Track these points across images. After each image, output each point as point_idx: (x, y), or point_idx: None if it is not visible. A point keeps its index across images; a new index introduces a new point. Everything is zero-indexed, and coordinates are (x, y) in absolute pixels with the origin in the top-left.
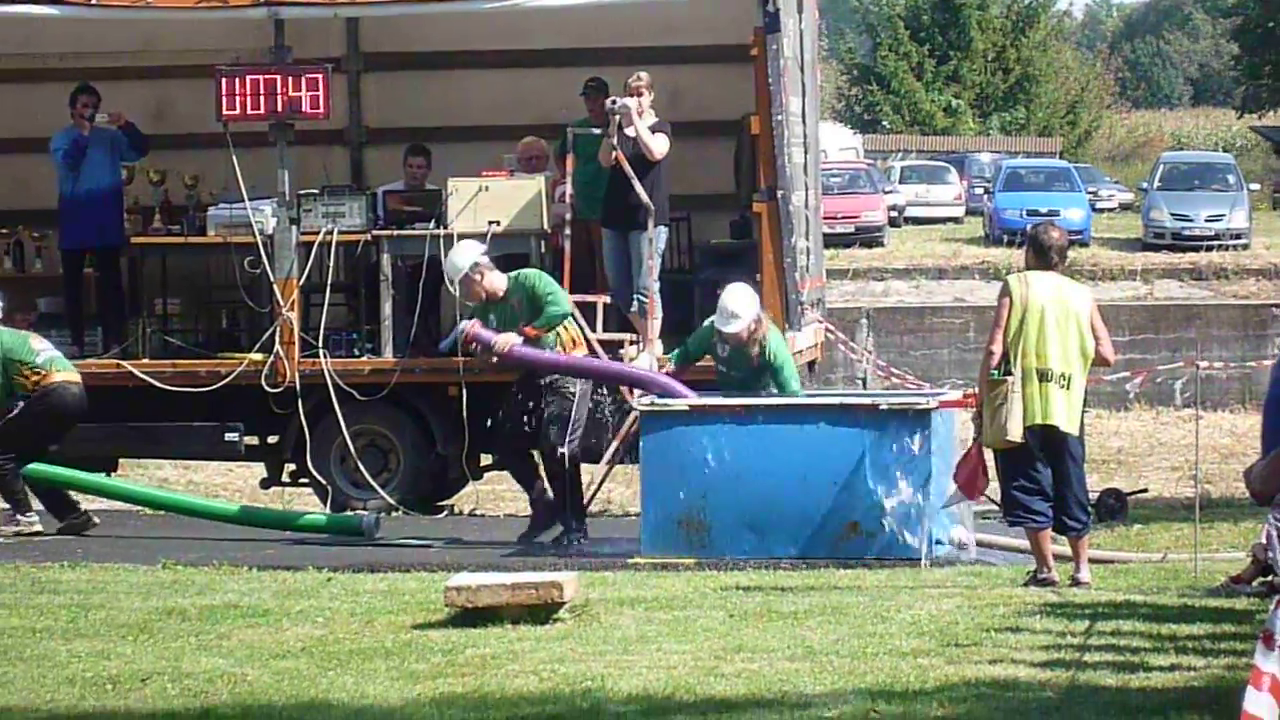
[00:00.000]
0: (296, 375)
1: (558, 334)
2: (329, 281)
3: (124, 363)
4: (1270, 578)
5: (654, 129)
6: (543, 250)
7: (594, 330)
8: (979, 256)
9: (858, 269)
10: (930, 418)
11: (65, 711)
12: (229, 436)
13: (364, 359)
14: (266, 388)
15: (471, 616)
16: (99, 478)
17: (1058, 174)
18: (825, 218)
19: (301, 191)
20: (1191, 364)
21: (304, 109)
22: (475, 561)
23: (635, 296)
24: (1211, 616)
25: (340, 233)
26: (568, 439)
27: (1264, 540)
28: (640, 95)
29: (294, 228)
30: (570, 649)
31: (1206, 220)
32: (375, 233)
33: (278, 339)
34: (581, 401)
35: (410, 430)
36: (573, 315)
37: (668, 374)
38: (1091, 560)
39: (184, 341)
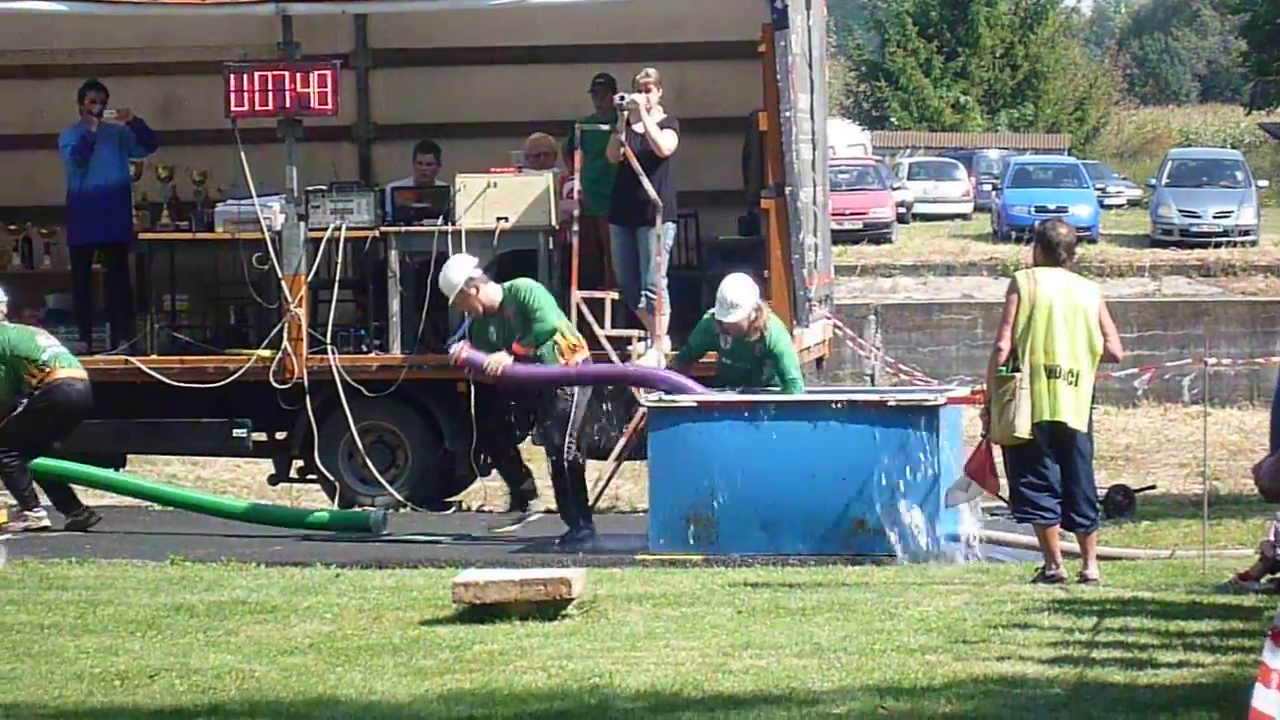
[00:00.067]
0: (304, 371)
1: (555, 342)
2: (337, 278)
3: (132, 359)
4: (1278, 574)
5: (662, 125)
6: (550, 246)
7: (602, 326)
8: (987, 253)
9: (866, 265)
10: (938, 414)
11: (73, 707)
12: (237, 432)
13: (372, 355)
14: (274, 384)
15: (479, 613)
16: (108, 473)
17: (1066, 170)
18: (833, 214)
19: (310, 188)
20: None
21: (312, 105)
22: (483, 558)
23: (643, 293)
24: (1220, 613)
25: (348, 229)
26: (567, 438)
27: (1272, 537)
28: (648, 91)
29: (302, 224)
30: (578, 645)
31: (1214, 217)
32: (383, 229)
33: (286, 335)
34: (579, 400)
35: (418, 426)
36: (561, 330)
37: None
38: (1100, 557)
39: (192, 337)
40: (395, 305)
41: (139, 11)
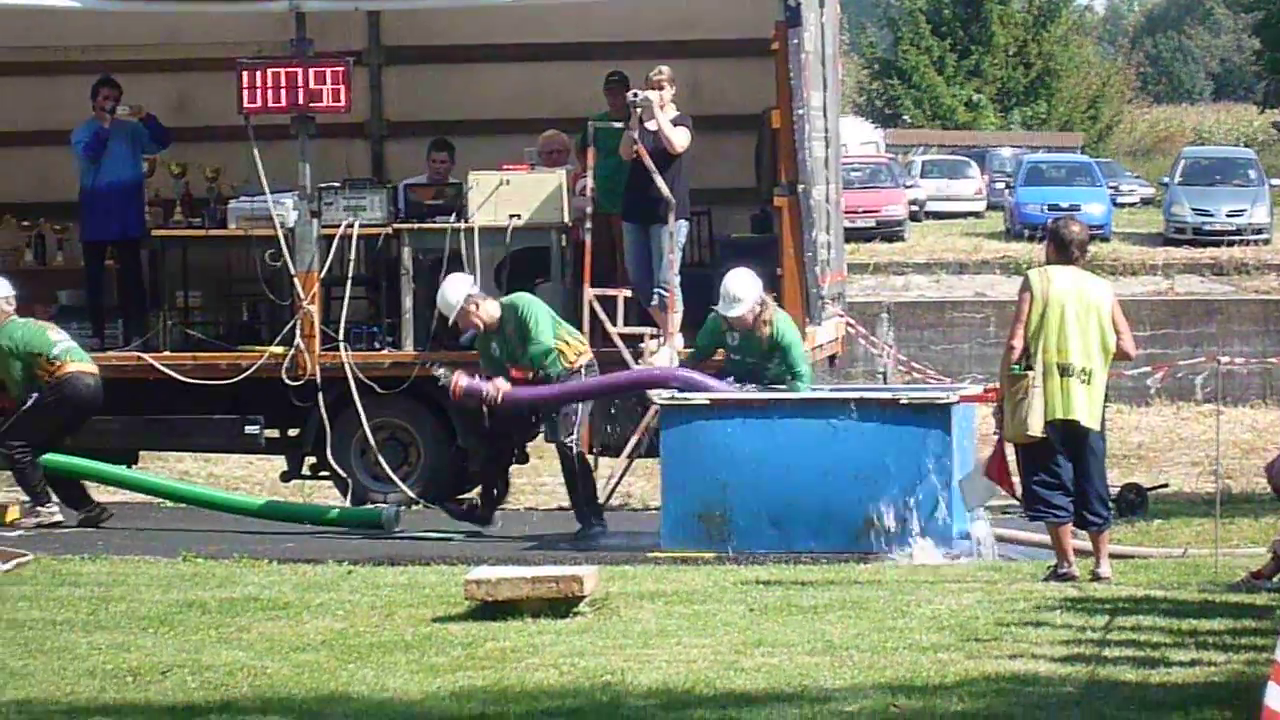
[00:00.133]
0: (317, 368)
1: (560, 351)
2: (350, 275)
3: (145, 355)
4: None
5: (675, 122)
6: (563, 244)
7: (614, 324)
8: (1000, 251)
9: (878, 263)
10: (951, 412)
11: (86, 704)
12: (249, 429)
13: (384, 352)
14: (287, 381)
15: (491, 610)
16: (122, 470)
17: (1079, 169)
18: (846, 212)
19: (322, 185)
20: (1212, 359)
21: (325, 102)
22: (495, 555)
23: (656, 290)
24: (1232, 612)
25: (361, 226)
26: (571, 434)
27: None
28: (662, 89)
29: (315, 221)
30: (590, 642)
31: (1228, 215)
32: (396, 226)
33: (298, 332)
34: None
35: (430, 424)
36: (561, 338)
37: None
38: (1112, 555)
39: (205, 334)
40: (408, 302)
41: (153, 8)
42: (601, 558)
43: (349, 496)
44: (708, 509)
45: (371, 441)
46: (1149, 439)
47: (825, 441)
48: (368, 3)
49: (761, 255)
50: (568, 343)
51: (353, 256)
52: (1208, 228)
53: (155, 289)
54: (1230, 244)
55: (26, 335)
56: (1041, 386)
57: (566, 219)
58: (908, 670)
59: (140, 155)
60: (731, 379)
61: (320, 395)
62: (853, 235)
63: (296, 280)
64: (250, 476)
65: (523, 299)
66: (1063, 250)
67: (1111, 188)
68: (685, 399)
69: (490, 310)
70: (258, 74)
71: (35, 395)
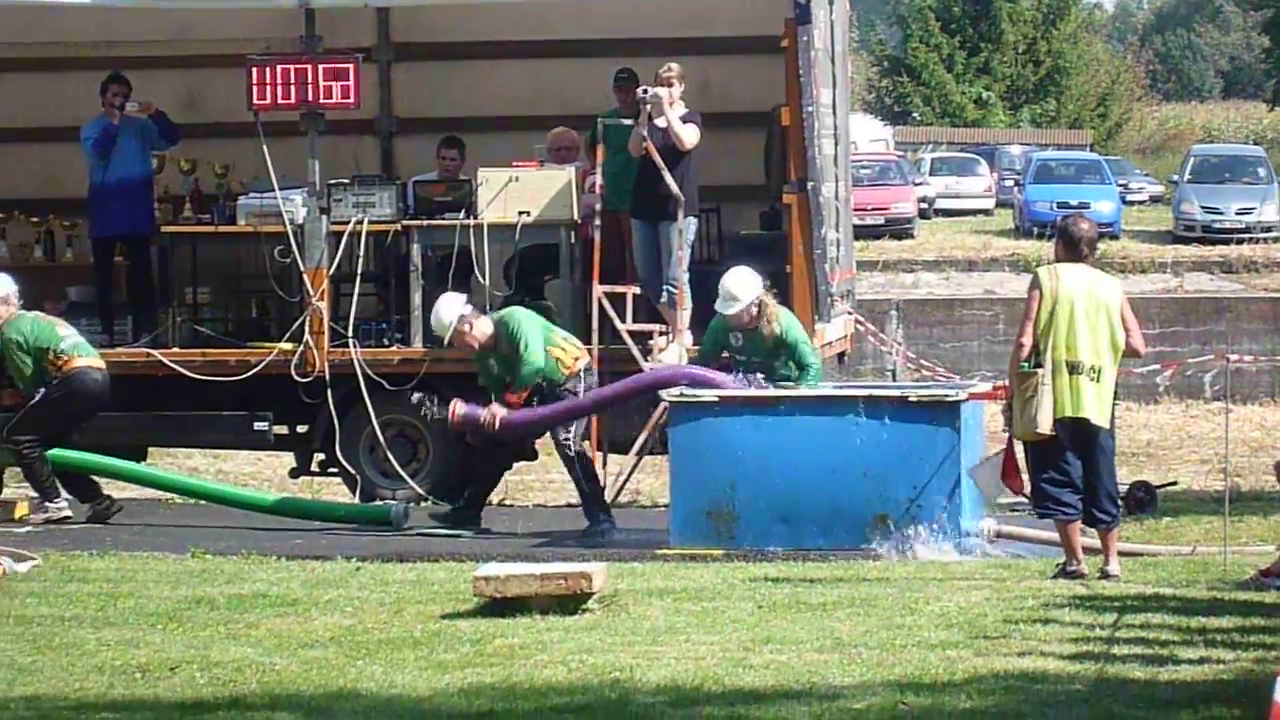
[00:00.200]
0: (326, 365)
1: (557, 359)
2: (359, 271)
3: (154, 352)
4: None
5: (684, 119)
6: (572, 241)
7: (623, 321)
8: (1009, 249)
9: (887, 261)
10: (960, 410)
11: (94, 700)
12: (258, 426)
13: (393, 349)
14: (296, 377)
15: (500, 606)
16: (135, 465)
17: (1088, 166)
18: (855, 209)
19: (332, 181)
20: (1221, 357)
21: (334, 99)
22: (504, 551)
23: (664, 287)
24: (1241, 610)
25: (370, 222)
26: (569, 432)
27: None
28: (671, 85)
29: (324, 217)
30: (599, 639)
31: (1237, 213)
32: (405, 223)
33: (307, 328)
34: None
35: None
36: (557, 344)
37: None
38: (1121, 553)
39: (214, 330)
40: (417, 299)
41: (162, 5)
42: (610, 555)
43: (357, 493)
44: (716, 506)
45: (380, 438)
46: (1158, 437)
47: (834, 439)
48: None
49: (770, 252)
50: (563, 349)
51: (362, 253)
52: (1217, 225)
53: (164, 285)
54: (1239, 242)
55: (36, 330)
56: (1051, 384)
57: (576, 216)
58: (916, 668)
59: (149, 152)
60: (740, 375)
61: (329, 392)
62: (862, 233)
63: (306, 277)
64: (259, 473)
65: (512, 315)
66: (1072, 248)
67: (1121, 185)
68: (694, 396)
69: (484, 328)
70: (267, 71)
71: (42, 390)
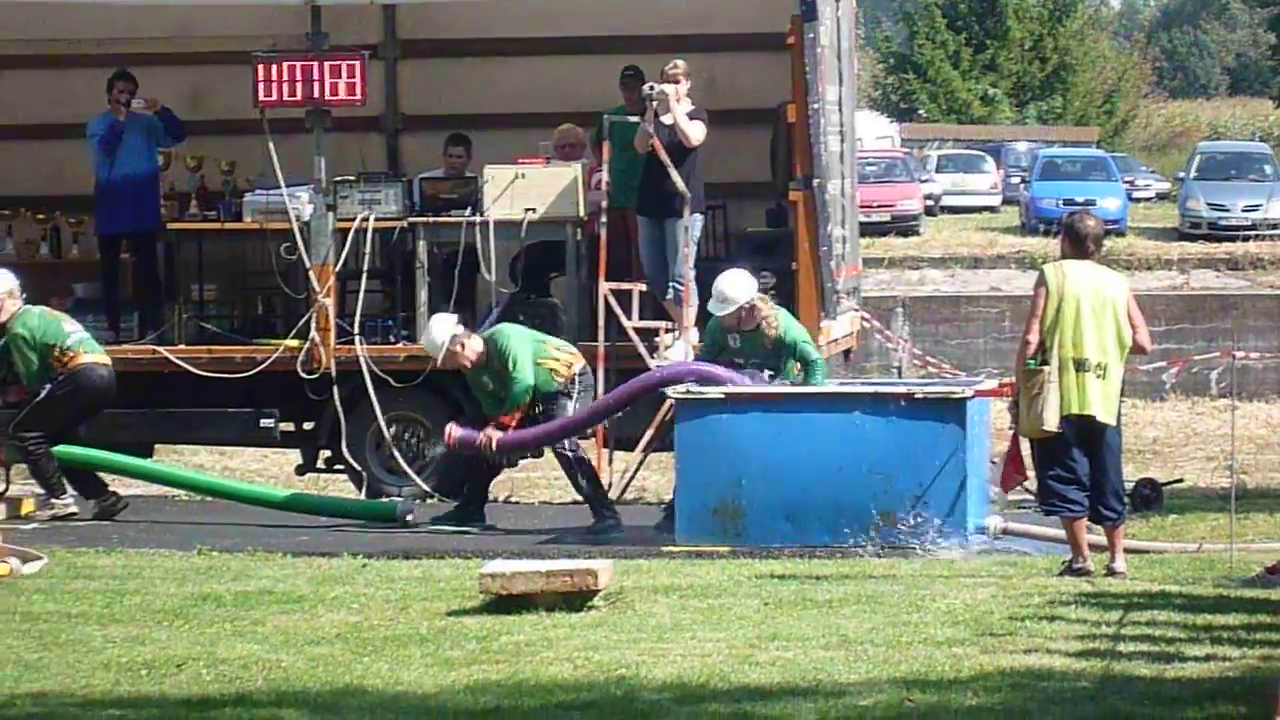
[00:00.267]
0: (332, 362)
1: (550, 370)
2: (365, 268)
3: (160, 348)
4: None
5: (691, 116)
6: (578, 238)
7: (629, 318)
8: (1015, 245)
9: (893, 258)
10: (966, 407)
11: (100, 696)
12: (264, 423)
13: (400, 345)
14: (302, 374)
15: (506, 603)
16: (145, 462)
17: (1094, 163)
18: (861, 206)
19: (338, 178)
20: (1227, 354)
21: (340, 96)
22: (510, 548)
23: (670, 284)
24: (1247, 607)
25: (376, 219)
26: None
27: None
28: (677, 83)
29: (330, 214)
30: (605, 636)
31: (1243, 210)
32: (411, 220)
33: (314, 325)
34: (577, 403)
35: (445, 417)
36: (548, 355)
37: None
38: (1127, 550)
39: (220, 327)
40: (423, 296)
41: (168, 1)
42: (616, 552)
43: (363, 490)
44: (722, 503)
45: (386, 435)
46: (1164, 434)
47: (840, 436)
48: None
49: (776, 250)
50: (556, 358)
51: (368, 250)
52: (1223, 222)
53: (170, 282)
54: (1245, 239)
55: (43, 325)
56: (1057, 381)
57: (582, 213)
58: (922, 665)
59: (155, 149)
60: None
61: (335, 389)
62: (868, 230)
63: (312, 274)
64: (265, 470)
65: (502, 333)
66: (1078, 245)
67: (1127, 182)
68: (700, 393)
69: (475, 346)
70: (273, 68)
71: (48, 386)
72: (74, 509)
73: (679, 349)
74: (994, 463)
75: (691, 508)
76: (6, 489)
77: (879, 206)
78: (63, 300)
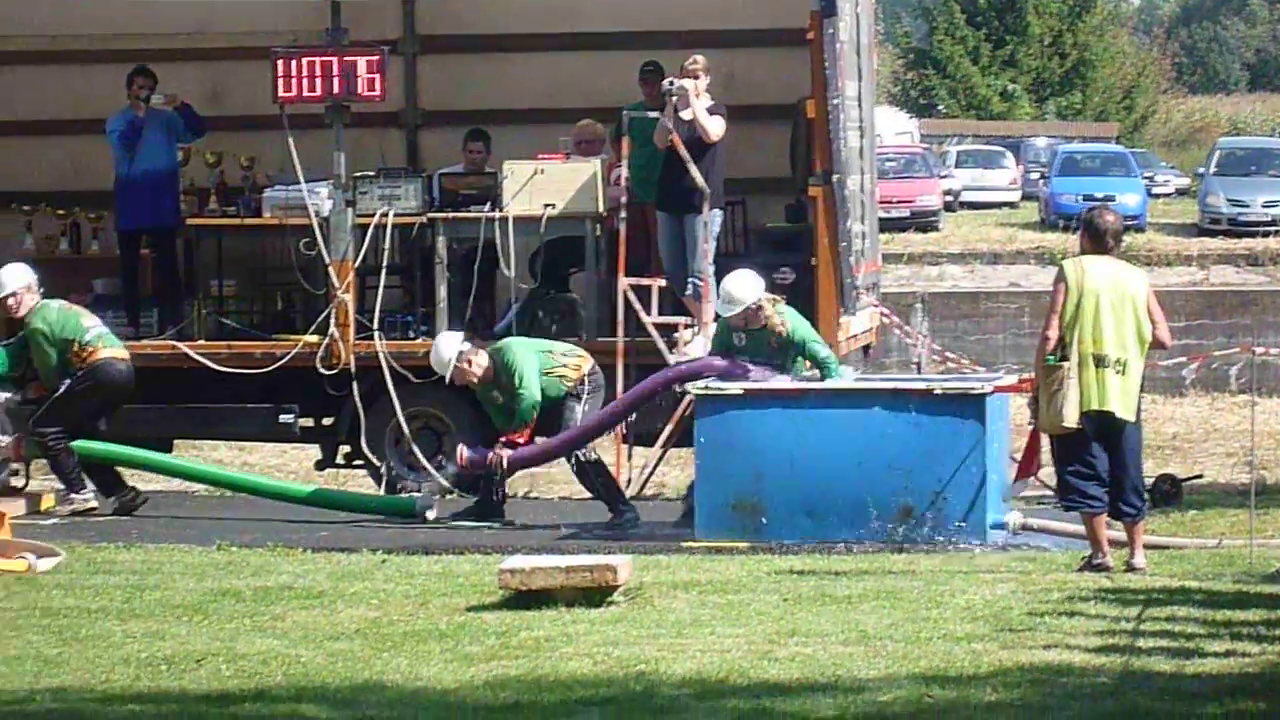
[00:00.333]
0: (351, 357)
1: (560, 377)
2: (384, 264)
3: (179, 344)
4: None
5: (710, 111)
6: (597, 233)
7: (648, 313)
8: (1034, 241)
9: (913, 253)
10: (985, 403)
11: (120, 691)
12: (284, 418)
13: (419, 341)
14: (322, 370)
15: (525, 599)
16: (169, 457)
17: (1114, 159)
18: (881, 202)
19: (357, 174)
20: (1247, 350)
21: (360, 91)
22: (529, 544)
23: (690, 280)
24: (1266, 603)
25: (396, 215)
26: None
27: None
28: (697, 78)
29: (350, 210)
30: (624, 632)
31: (1263, 206)
32: (431, 215)
33: (333, 321)
34: (587, 407)
35: (464, 412)
36: (555, 364)
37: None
38: (1146, 546)
39: (239, 323)
40: (442, 291)
41: None
42: (635, 547)
43: (383, 486)
44: (742, 499)
45: (405, 430)
46: (1183, 430)
47: (859, 432)
48: None
49: (796, 245)
50: (565, 364)
51: (387, 245)
52: (1243, 218)
53: (190, 278)
54: (1265, 234)
55: (62, 320)
56: (1077, 377)
57: (601, 208)
58: (942, 660)
59: (175, 144)
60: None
61: (354, 384)
62: (887, 225)
63: (331, 269)
64: (284, 465)
65: (507, 348)
66: (1097, 240)
67: (1146, 178)
68: (720, 389)
69: (482, 362)
70: (293, 63)
71: (68, 381)
72: (93, 504)
73: (698, 345)
74: (1014, 459)
75: (711, 503)
76: (26, 484)
77: (898, 202)
78: (82, 296)
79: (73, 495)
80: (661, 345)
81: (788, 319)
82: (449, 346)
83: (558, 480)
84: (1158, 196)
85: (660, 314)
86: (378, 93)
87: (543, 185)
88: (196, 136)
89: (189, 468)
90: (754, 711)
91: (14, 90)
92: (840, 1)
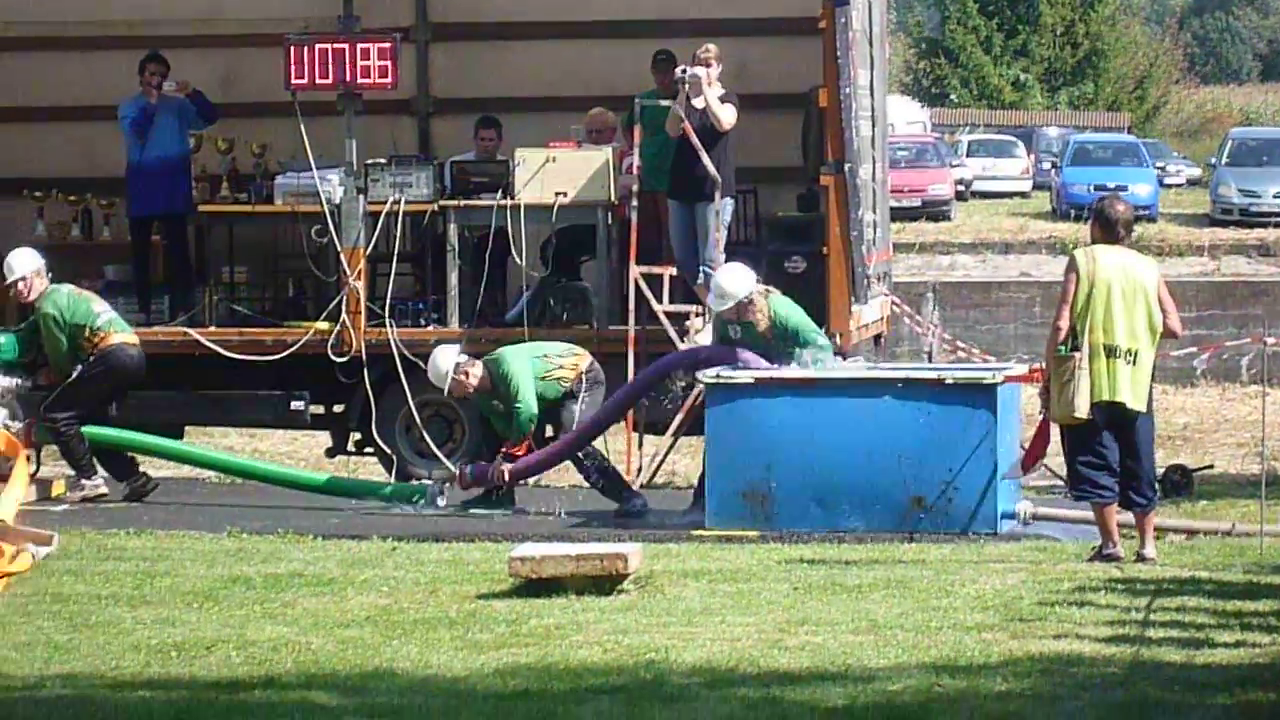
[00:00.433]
0: (363, 345)
1: (557, 380)
2: (396, 251)
3: (191, 331)
4: None
5: (722, 100)
6: (609, 221)
7: (660, 302)
8: (1046, 231)
9: (924, 243)
10: (996, 392)
11: (130, 678)
12: (295, 405)
13: (430, 329)
14: (333, 357)
15: (536, 587)
16: (179, 444)
17: (1126, 149)
18: (892, 191)
19: (369, 161)
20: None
21: (372, 79)
22: (540, 532)
23: (701, 269)
24: (1277, 594)
25: (407, 203)
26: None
27: None
28: (709, 66)
29: (361, 197)
30: (634, 620)
31: (1275, 196)
32: (442, 203)
33: (344, 308)
34: (586, 407)
35: (475, 401)
36: (552, 367)
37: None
38: (1160, 528)
39: (250, 310)
40: (453, 279)
41: None
42: (645, 535)
43: (393, 473)
44: (752, 488)
45: (416, 418)
46: (1194, 420)
47: (870, 421)
48: None
49: (807, 234)
50: (561, 366)
51: (399, 233)
52: (1254, 209)
53: (201, 264)
54: (1277, 225)
55: (72, 305)
56: (1088, 368)
57: (613, 196)
58: (952, 650)
59: (187, 131)
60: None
61: (365, 371)
62: (899, 214)
63: (343, 256)
64: (295, 452)
65: (502, 358)
66: (1108, 230)
67: (1158, 168)
68: (730, 378)
69: (479, 373)
70: (305, 50)
71: (79, 368)
72: (104, 490)
73: (709, 333)
74: (1024, 448)
75: (721, 492)
76: (37, 471)
77: (910, 191)
78: (93, 282)
79: (83, 481)
80: (673, 334)
81: (777, 309)
82: (446, 359)
83: (567, 468)
84: (1169, 187)
85: (671, 302)
86: (389, 80)
87: (554, 173)
88: (208, 123)
89: (199, 454)
90: (764, 700)
91: (27, 76)
92: None
